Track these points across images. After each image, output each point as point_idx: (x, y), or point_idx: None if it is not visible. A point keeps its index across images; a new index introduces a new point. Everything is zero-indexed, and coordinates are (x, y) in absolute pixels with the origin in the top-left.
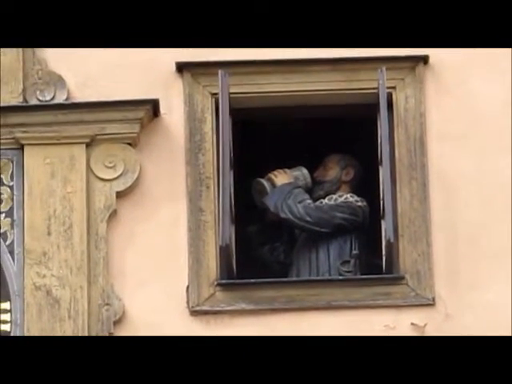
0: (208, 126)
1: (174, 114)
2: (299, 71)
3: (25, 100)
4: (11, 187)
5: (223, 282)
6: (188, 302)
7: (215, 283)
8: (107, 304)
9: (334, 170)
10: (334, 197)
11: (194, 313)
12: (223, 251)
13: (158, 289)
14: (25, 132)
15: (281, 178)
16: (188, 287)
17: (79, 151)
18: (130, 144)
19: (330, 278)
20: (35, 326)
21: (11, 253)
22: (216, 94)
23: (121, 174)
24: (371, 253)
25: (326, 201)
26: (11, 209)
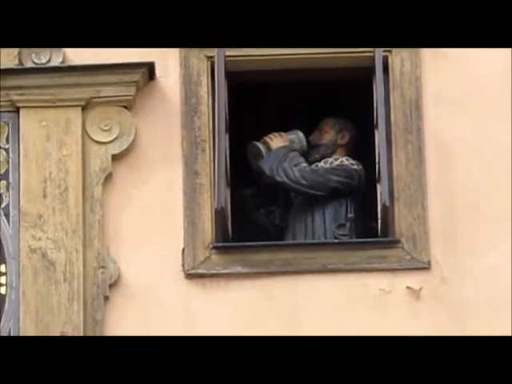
0: (204, 89)
1: (169, 77)
2: None
3: (20, 63)
4: (7, 150)
5: (219, 244)
6: (183, 265)
7: (211, 246)
8: (102, 267)
9: (329, 134)
10: (330, 160)
11: (190, 276)
12: (219, 214)
13: (154, 252)
14: (20, 95)
15: (276, 141)
16: (183, 250)
17: (75, 114)
18: (125, 107)
19: (325, 241)
20: (30, 289)
21: (6, 215)
22: (212, 56)
23: (116, 137)
24: (367, 216)
25: (321, 164)
26: (7, 171)
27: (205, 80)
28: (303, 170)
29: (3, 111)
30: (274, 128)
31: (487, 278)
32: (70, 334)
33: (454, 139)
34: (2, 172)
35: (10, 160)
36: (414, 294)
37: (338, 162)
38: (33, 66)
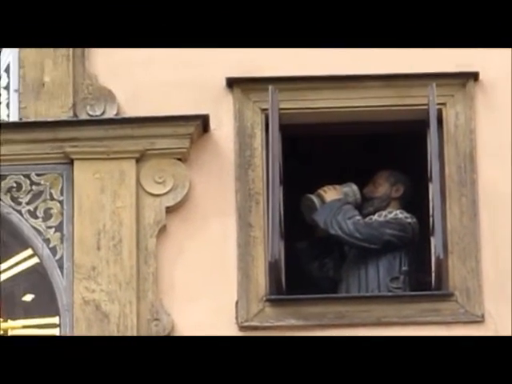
0: (258, 142)
1: (223, 129)
2: (349, 87)
3: (75, 115)
4: (61, 202)
5: (272, 297)
6: (237, 318)
7: (264, 299)
8: (156, 319)
9: (383, 187)
10: (384, 213)
11: (243, 328)
12: (272, 267)
13: (207, 304)
14: (75, 147)
15: (330, 194)
16: (237, 303)
17: (129, 166)
18: (179, 159)
19: (379, 294)
20: None
21: (60, 267)
22: (266, 109)
23: (170, 189)
24: (420, 269)
25: (375, 217)
26: (61, 223)
27: (259, 132)
28: (357, 223)
29: (58, 163)
30: (328, 181)
31: None
32: None
33: (506, 191)
34: (57, 224)
35: (65, 212)
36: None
37: (392, 215)
38: (87, 117)
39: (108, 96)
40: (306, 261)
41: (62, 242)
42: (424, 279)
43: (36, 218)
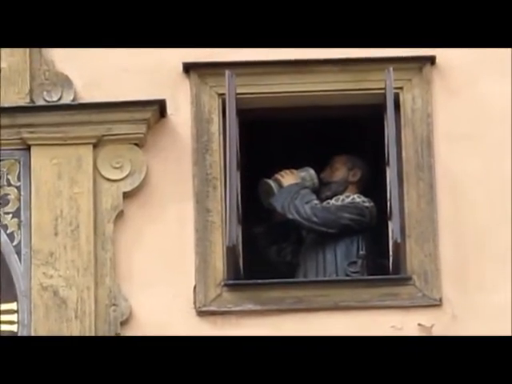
0: (215, 127)
1: (180, 114)
2: (306, 72)
3: (32, 101)
4: (18, 187)
5: (230, 282)
6: (195, 303)
7: (222, 284)
8: (114, 304)
9: (340, 171)
10: (341, 197)
11: (201, 313)
12: (230, 252)
13: (165, 289)
14: (32, 132)
15: (288, 178)
16: (195, 287)
17: (86, 152)
18: (136, 144)
19: (337, 278)
20: (42, 327)
21: (18, 253)
22: (223, 94)
23: (128, 175)
24: (378, 253)
25: (333, 201)
26: (18, 209)
27: (216, 117)
28: (315, 207)
29: (14, 149)
30: (286, 165)
31: (498, 315)
32: None
33: (464, 175)
34: (14, 210)
35: (22, 198)
36: (426, 331)
37: (349, 200)
38: (44, 103)
39: (65, 82)
40: (264, 245)
41: (19, 228)
42: (382, 263)
43: None
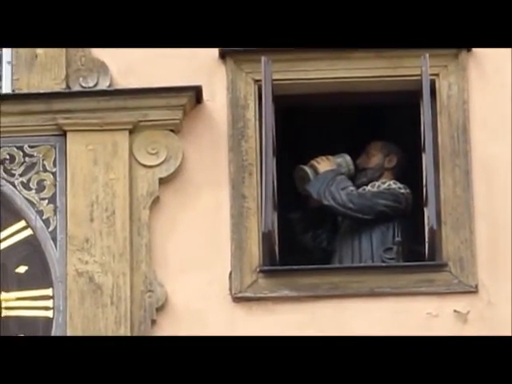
0: (251, 113)
1: (216, 100)
2: (342, 58)
3: (68, 86)
4: (54, 173)
5: (266, 268)
6: (231, 289)
7: (258, 270)
8: (150, 291)
9: (376, 157)
10: (377, 184)
11: (237, 299)
12: (266, 238)
13: (201, 275)
14: (68, 118)
15: (324, 164)
16: (231, 274)
17: (122, 137)
18: (172, 130)
19: (372, 264)
20: (77, 313)
21: (54, 239)
22: (259, 80)
23: (163, 161)
24: (414, 240)
25: (368, 188)
26: (54, 195)
27: (252, 103)
28: (350, 193)
29: (50, 135)
30: (322, 151)
31: None
32: None
33: (500, 162)
34: (50, 195)
35: (57, 183)
36: (461, 317)
37: (385, 186)
38: (80, 89)
39: (101, 67)
40: (300, 231)
41: (55, 214)
42: (417, 250)
43: (29, 189)
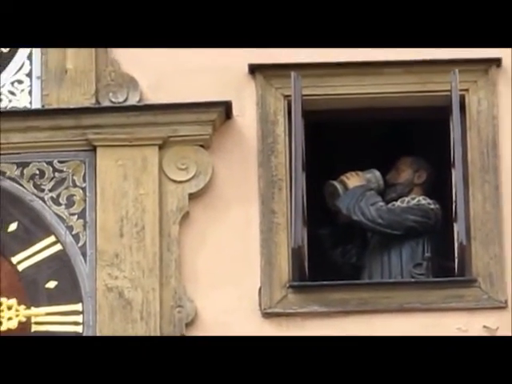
0: (280, 128)
1: (246, 115)
2: (372, 73)
3: (97, 102)
4: (83, 189)
5: (295, 284)
6: (260, 304)
7: (287, 285)
8: (179, 306)
9: (406, 173)
10: (407, 199)
11: (266, 315)
12: (295, 253)
13: (230, 291)
14: (97, 134)
15: (353, 180)
16: (260, 289)
17: (152, 153)
18: (202, 146)
19: (402, 280)
20: (107, 328)
21: (83, 254)
22: (289, 95)
23: (193, 176)
24: (443, 255)
25: (398, 203)
26: (84, 210)
27: (281, 119)
28: (380, 209)
29: (80, 150)
30: (351, 167)
31: None
32: None
33: None
34: (79, 211)
35: (87, 199)
36: (491, 333)
37: (414, 202)
38: (110, 104)
39: (131, 83)
40: (329, 247)
41: (84, 229)
42: (447, 265)
43: (59, 204)
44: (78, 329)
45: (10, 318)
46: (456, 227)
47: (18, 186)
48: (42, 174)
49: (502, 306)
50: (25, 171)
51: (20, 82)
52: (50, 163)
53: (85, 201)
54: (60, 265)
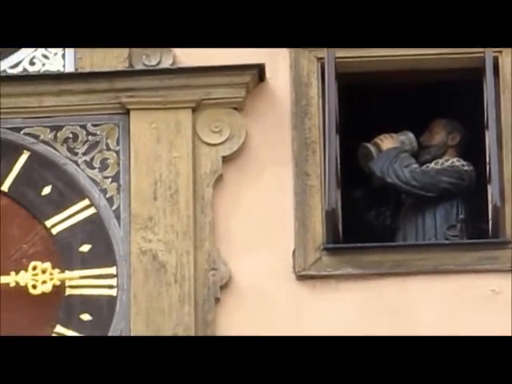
0: (314, 91)
1: (279, 78)
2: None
3: (131, 65)
4: (117, 152)
5: (329, 246)
6: (294, 267)
7: (321, 248)
8: (213, 269)
9: (440, 135)
10: (441, 161)
11: (300, 277)
12: (329, 215)
13: (264, 253)
14: (131, 97)
15: (387, 142)
16: (294, 252)
17: (185, 116)
18: (235, 109)
19: (436, 242)
20: (141, 291)
21: (117, 218)
22: (322, 58)
23: (227, 139)
24: (477, 217)
25: (432, 165)
26: (117, 173)
27: (315, 81)
28: (414, 171)
29: (113, 113)
30: (385, 129)
31: None
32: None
33: None
34: (113, 174)
35: (121, 162)
36: None
37: (448, 163)
38: (143, 68)
39: None
40: (363, 209)
41: (118, 193)
42: (481, 227)
43: (92, 168)
44: (112, 292)
45: (44, 282)
46: (490, 189)
47: (51, 149)
48: (75, 137)
49: None
50: (58, 135)
51: None
52: (83, 127)
53: (118, 164)
54: (94, 228)
